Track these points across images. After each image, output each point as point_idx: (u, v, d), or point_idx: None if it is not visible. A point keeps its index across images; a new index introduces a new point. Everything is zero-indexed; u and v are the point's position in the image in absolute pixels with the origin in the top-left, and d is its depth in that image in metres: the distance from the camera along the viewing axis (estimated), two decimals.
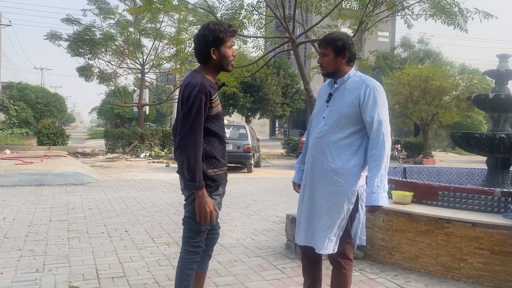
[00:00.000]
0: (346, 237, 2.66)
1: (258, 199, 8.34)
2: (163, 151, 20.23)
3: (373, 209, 2.53)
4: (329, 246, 2.59)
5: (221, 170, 2.60)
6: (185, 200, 2.65)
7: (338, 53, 2.62)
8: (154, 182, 10.65)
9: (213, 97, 2.50)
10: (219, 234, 2.91)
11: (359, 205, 2.65)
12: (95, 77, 22.61)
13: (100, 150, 20.39)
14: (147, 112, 27.20)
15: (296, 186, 2.99)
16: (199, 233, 2.62)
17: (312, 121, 2.88)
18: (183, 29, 19.95)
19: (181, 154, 2.42)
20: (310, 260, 2.80)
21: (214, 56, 2.52)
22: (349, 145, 2.58)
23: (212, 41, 2.50)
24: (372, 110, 2.52)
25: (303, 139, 16.72)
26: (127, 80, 62.54)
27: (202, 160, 2.48)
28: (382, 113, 2.53)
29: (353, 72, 2.68)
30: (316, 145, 2.66)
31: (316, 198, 2.65)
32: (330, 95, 2.70)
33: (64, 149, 19.46)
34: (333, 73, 2.68)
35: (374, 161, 2.50)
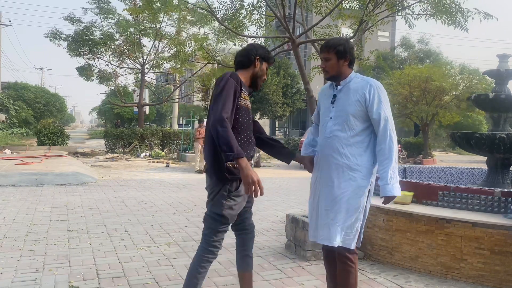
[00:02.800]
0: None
1: (258, 199, 8.30)
2: (163, 151, 20.22)
3: (388, 200, 2.64)
4: (348, 241, 2.65)
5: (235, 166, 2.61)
6: (208, 197, 2.72)
7: (340, 57, 2.75)
8: (154, 182, 10.65)
9: (243, 89, 2.69)
10: (254, 234, 2.97)
11: (368, 201, 2.74)
12: (95, 77, 22.61)
13: (100, 150, 20.39)
14: (147, 112, 27.20)
15: (307, 160, 2.97)
16: (217, 233, 2.67)
17: (317, 121, 2.99)
18: (183, 29, 19.95)
19: (213, 129, 2.48)
20: (331, 256, 2.86)
21: (256, 64, 2.82)
22: (360, 142, 2.69)
23: (260, 53, 2.84)
24: (378, 108, 2.64)
25: (303, 139, 16.72)
26: (127, 80, 62.46)
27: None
28: (387, 110, 2.67)
29: (354, 74, 2.81)
30: (328, 145, 2.74)
31: (334, 195, 2.68)
32: (335, 96, 2.80)
33: (64, 149, 19.46)
34: (336, 76, 2.79)
35: (383, 155, 2.62)
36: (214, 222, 2.65)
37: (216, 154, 2.59)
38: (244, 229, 2.90)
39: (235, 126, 2.65)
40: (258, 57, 2.82)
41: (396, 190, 2.59)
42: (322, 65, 2.82)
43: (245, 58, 2.83)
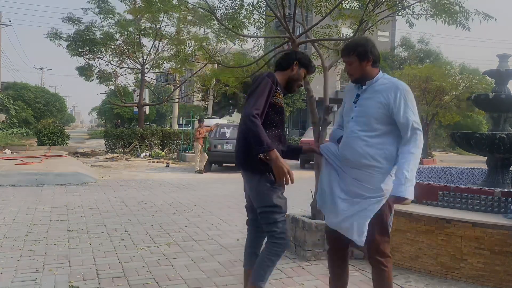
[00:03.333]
0: (384, 235, 2.69)
1: None
2: (163, 151, 20.22)
3: (398, 200, 2.58)
4: (359, 238, 2.63)
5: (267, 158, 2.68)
6: (249, 193, 2.83)
7: (362, 59, 2.69)
8: (154, 182, 10.65)
9: (278, 88, 2.79)
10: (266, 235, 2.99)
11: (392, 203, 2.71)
12: (95, 77, 22.59)
13: (100, 150, 20.39)
14: (147, 112, 27.18)
15: (315, 146, 3.06)
16: (278, 223, 2.72)
17: (340, 121, 2.98)
18: (183, 28, 19.94)
19: (245, 124, 2.62)
20: (337, 247, 2.85)
21: (293, 67, 2.91)
22: (381, 144, 2.64)
23: (299, 58, 2.93)
24: (405, 112, 2.59)
25: (303, 139, 16.70)
26: (127, 80, 62.44)
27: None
28: (415, 114, 2.62)
29: (381, 75, 2.74)
30: (349, 145, 2.71)
31: (352, 194, 2.67)
32: (358, 96, 2.76)
33: (64, 149, 19.46)
34: (361, 79, 2.74)
35: (405, 157, 2.57)
36: (271, 215, 2.71)
37: (248, 148, 2.67)
38: (259, 226, 2.93)
39: (268, 122, 2.76)
40: (297, 62, 2.92)
41: (409, 193, 2.52)
42: (345, 69, 2.78)
43: (284, 61, 2.95)
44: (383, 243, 2.69)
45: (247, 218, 3.13)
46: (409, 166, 2.53)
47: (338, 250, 2.86)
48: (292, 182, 2.62)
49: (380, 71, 2.75)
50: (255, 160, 2.68)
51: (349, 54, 2.71)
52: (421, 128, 2.64)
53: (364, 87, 2.74)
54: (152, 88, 32.55)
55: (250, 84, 2.91)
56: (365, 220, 2.61)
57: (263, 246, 2.86)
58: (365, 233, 2.61)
